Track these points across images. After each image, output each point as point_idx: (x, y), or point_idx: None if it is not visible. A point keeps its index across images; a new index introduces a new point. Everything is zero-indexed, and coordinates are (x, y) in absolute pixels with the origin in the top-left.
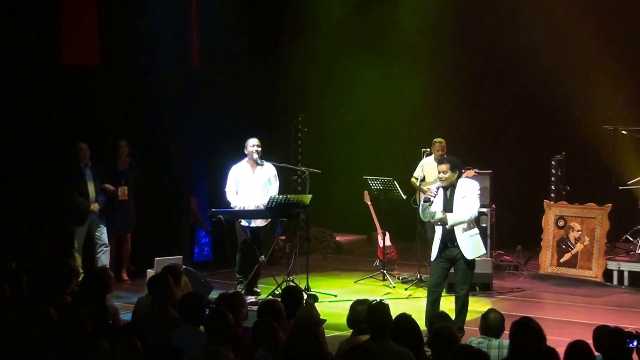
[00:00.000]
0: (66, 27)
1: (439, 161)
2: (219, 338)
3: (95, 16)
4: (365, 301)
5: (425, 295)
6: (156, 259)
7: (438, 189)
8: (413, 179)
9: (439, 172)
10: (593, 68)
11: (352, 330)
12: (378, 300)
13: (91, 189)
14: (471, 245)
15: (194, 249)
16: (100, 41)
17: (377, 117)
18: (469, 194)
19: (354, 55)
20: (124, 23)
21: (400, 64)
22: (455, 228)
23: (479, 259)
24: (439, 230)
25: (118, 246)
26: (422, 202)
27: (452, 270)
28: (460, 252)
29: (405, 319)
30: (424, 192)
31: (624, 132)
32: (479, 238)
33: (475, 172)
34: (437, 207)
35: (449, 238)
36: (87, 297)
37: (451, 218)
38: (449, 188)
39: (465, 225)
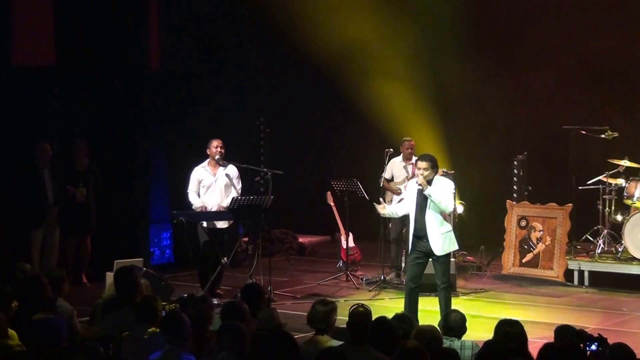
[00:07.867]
0: (18, 28)
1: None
2: (177, 339)
3: (51, 16)
4: (326, 301)
5: (391, 297)
6: (115, 261)
7: (417, 183)
8: (383, 180)
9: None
10: (554, 68)
11: (313, 332)
12: (359, 304)
13: (49, 190)
14: (441, 242)
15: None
16: (55, 41)
17: (340, 118)
18: (443, 192)
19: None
20: (82, 22)
21: (364, 65)
22: (427, 223)
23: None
24: (411, 224)
25: (77, 249)
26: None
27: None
28: (431, 247)
29: (383, 323)
30: (393, 191)
31: (583, 132)
32: (451, 234)
33: (443, 171)
34: (410, 203)
35: (422, 234)
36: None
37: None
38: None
39: (437, 221)
